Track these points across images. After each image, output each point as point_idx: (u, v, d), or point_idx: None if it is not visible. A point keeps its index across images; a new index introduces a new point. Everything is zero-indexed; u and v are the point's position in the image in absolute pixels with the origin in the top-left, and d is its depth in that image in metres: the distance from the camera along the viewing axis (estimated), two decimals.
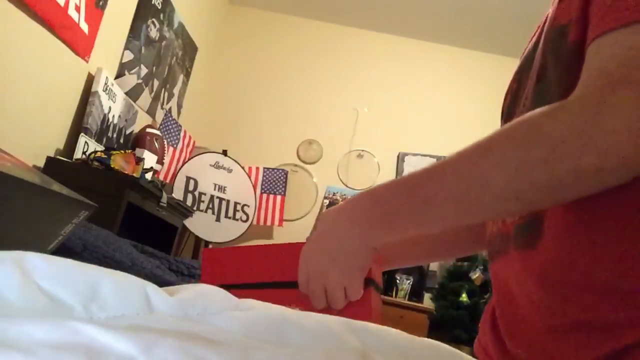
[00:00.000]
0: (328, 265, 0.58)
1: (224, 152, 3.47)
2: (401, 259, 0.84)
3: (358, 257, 0.58)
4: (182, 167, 3.24)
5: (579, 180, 0.44)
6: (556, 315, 0.50)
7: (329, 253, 0.58)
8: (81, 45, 2.26)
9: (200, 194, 3.28)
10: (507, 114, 0.68)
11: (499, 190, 0.47)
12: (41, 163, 2.09)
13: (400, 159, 3.96)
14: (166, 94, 3.29)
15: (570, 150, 0.44)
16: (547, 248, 0.51)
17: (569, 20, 0.55)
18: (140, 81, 2.89)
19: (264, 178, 3.76)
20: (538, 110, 0.48)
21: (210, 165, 3.38)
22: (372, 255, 0.58)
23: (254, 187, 3.59)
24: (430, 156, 3.92)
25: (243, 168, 3.53)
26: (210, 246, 3.54)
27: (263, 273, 0.64)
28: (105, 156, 2.18)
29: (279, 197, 3.75)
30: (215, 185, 3.36)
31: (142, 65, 2.89)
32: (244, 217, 3.44)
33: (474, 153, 0.50)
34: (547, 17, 0.64)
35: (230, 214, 3.40)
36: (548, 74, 0.57)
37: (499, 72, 4.16)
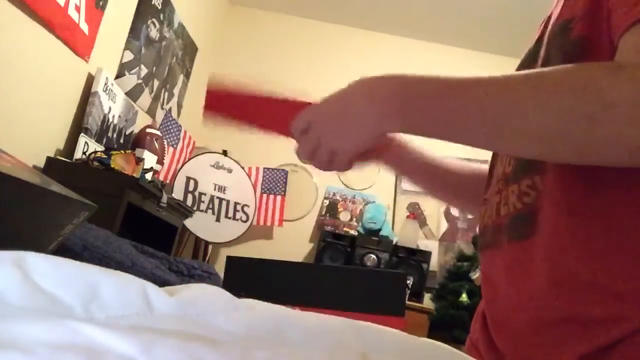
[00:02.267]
0: (330, 125, 0.58)
1: (224, 152, 3.46)
2: (412, 173, 0.81)
3: (362, 133, 0.56)
4: (182, 167, 3.24)
5: (613, 149, 0.43)
6: (545, 308, 0.50)
7: (337, 115, 0.57)
8: (81, 46, 2.25)
9: (200, 194, 3.28)
10: None
11: (533, 128, 0.46)
12: (41, 163, 2.09)
13: None
14: (166, 94, 3.29)
15: (620, 116, 0.42)
16: (541, 240, 0.51)
17: (572, 16, 0.55)
18: (140, 81, 2.89)
19: (264, 178, 3.76)
20: (597, 65, 0.46)
21: (210, 165, 3.37)
22: (377, 139, 0.57)
23: (254, 187, 3.59)
24: None
25: (243, 168, 3.53)
26: (210, 247, 3.54)
27: (264, 120, 0.65)
28: (105, 156, 2.18)
29: (279, 197, 3.75)
30: (215, 185, 3.36)
31: (142, 66, 2.89)
32: (244, 218, 3.44)
33: (522, 83, 0.48)
34: (550, 14, 0.65)
35: (230, 214, 3.40)
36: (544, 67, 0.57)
37: (499, 72, 4.16)
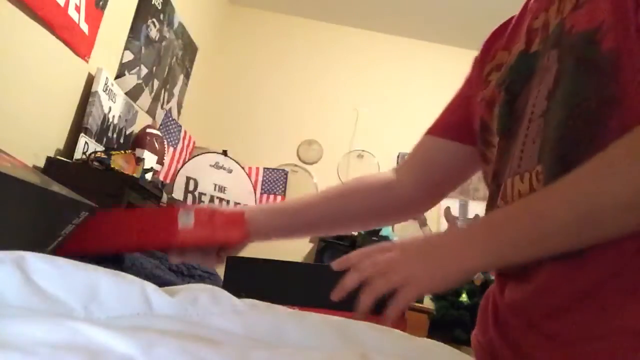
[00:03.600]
0: (414, 261, 0.55)
1: (224, 152, 3.47)
2: (274, 231, 0.80)
3: (450, 273, 0.54)
4: (182, 167, 3.24)
5: None
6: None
7: (424, 254, 0.56)
8: (81, 46, 2.25)
9: (200, 194, 3.28)
10: (506, 129, 0.65)
11: (628, 199, 0.46)
12: (41, 163, 2.09)
13: (400, 159, 3.96)
14: (166, 94, 3.29)
15: None
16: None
17: (597, 26, 0.53)
18: (140, 81, 2.89)
19: (264, 178, 3.76)
20: None
21: (210, 165, 3.37)
22: (461, 280, 0.55)
23: (254, 187, 3.59)
24: None
25: (243, 168, 3.53)
26: None
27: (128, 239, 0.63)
28: (105, 156, 2.18)
29: (279, 198, 3.74)
30: (215, 185, 3.36)
31: (142, 66, 2.89)
32: None
33: (595, 169, 0.49)
34: (529, 22, 0.64)
35: None
36: (571, 83, 0.55)
37: None
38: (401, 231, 3.61)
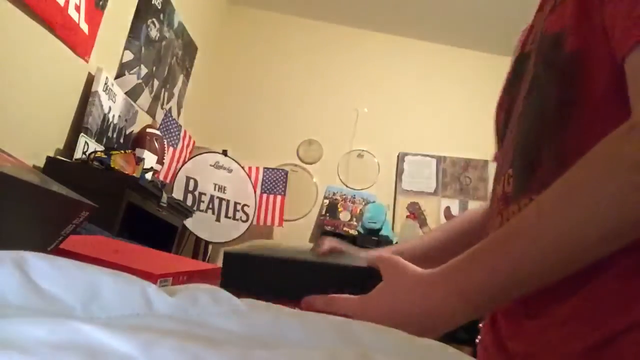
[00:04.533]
0: (396, 318, 0.49)
1: (224, 152, 3.47)
2: None
3: (437, 328, 0.49)
4: (182, 167, 3.24)
5: None
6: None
7: (400, 311, 0.50)
8: (81, 45, 2.25)
9: (200, 194, 3.28)
10: (503, 133, 0.66)
11: (598, 231, 0.43)
12: (41, 163, 2.09)
13: (400, 159, 3.96)
14: (166, 94, 3.29)
15: None
16: None
17: (561, 28, 0.53)
18: (140, 81, 2.89)
19: (264, 178, 3.76)
20: (606, 141, 0.45)
21: (210, 165, 3.38)
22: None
23: (254, 187, 3.59)
24: (431, 156, 3.92)
25: (243, 168, 3.53)
26: (210, 247, 3.54)
27: None
28: (105, 156, 2.18)
29: (279, 197, 3.74)
30: (215, 185, 3.36)
31: (142, 65, 2.89)
32: (244, 217, 3.44)
33: (555, 204, 0.45)
34: (532, 26, 0.64)
35: (230, 214, 3.40)
36: (539, 86, 0.56)
37: (499, 72, 4.16)
38: (401, 231, 3.61)
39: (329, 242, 0.69)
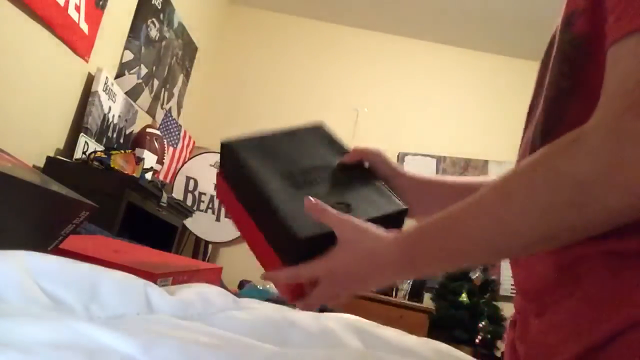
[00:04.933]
0: (352, 283, 0.58)
1: None
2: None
3: (378, 285, 0.58)
4: (182, 167, 3.24)
5: (611, 218, 0.41)
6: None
7: (356, 276, 0.57)
8: (81, 45, 2.25)
9: (200, 194, 3.28)
10: (528, 112, 0.62)
11: (528, 236, 0.44)
12: (41, 163, 2.08)
13: (400, 159, 3.96)
14: (166, 94, 3.29)
15: (595, 190, 0.39)
16: None
17: (573, 9, 0.50)
18: (140, 81, 2.89)
19: None
20: (550, 148, 0.43)
21: (210, 165, 3.38)
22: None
23: None
24: (431, 156, 3.92)
25: None
26: (210, 247, 3.54)
27: None
28: (105, 156, 2.18)
29: None
30: (215, 185, 3.36)
31: (142, 65, 2.89)
32: None
33: (494, 203, 0.47)
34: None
35: None
36: (550, 69, 0.53)
37: (499, 72, 4.16)
38: None
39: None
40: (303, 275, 0.57)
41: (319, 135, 0.74)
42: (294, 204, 0.58)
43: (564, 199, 0.41)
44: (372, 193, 0.65)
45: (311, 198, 0.58)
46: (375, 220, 0.58)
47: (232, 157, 0.67)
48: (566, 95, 0.50)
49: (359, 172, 0.69)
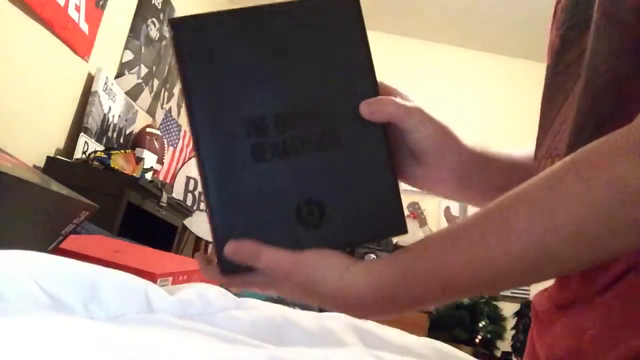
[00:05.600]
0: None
1: None
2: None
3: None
4: (182, 167, 3.24)
5: None
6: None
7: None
8: (81, 45, 2.25)
9: (200, 193, 3.28)
10: (548, 86, 0.50)
11: (573, 267, 0.35)
12: (41, 163, 2.09)
13: None
14: (166, 93, 3.29)
15: None
16: None
17: None
18: (140, 81, 2.89)
19: None
20: (607, 148, 0.33)
21: None
22: None
23: None
24: None
25: None
26: (210, 247, 3.54)
27: None
28: (105, 156, 2.18)
29: None
30: None
31: (142, 65, 2.89)
32: None
33: (533, 223, 0.34)
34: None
35: None
36: (591, 45, 0.42)
37: (499, 72, 4.16)
38: None
39: None
40: (264, 264, 0.41)
41: (335, 22, 0.46)
42: (240, 188, 0.40)
43: (628, 220, 0.32)
44: (371, 189, 0.44)
45: (231, 244, 0.42)
46: (352, 244, 0.42)
47: (181, 48, 0.40)
48: (623, 81, 0.40)
49: (373, 133, 0.45)
